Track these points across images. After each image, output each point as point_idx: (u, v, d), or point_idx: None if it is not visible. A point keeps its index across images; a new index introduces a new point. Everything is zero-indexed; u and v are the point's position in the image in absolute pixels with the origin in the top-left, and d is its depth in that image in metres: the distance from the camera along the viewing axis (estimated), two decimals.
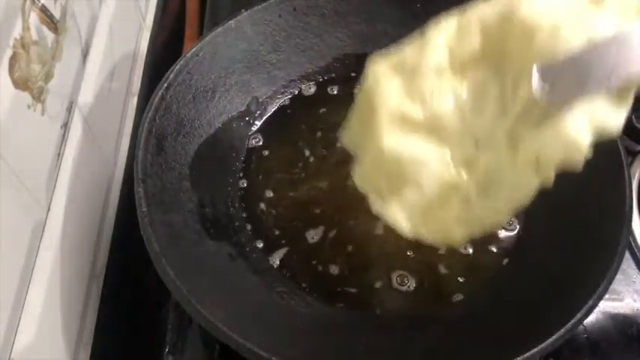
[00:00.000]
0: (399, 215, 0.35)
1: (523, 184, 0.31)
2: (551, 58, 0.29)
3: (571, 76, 0.28)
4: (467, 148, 0.33)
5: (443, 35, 0.34)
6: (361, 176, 0.38)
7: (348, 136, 0.39)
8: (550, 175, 0.31)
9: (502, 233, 0.45)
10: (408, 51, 0.35)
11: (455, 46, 0.33)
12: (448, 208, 0.34)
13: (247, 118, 0.50)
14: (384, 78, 0.35)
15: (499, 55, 0.32)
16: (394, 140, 0.34)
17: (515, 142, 0.31)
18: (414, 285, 0.43)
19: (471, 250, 0.44)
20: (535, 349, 0.33)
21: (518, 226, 0.45)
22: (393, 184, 0.35)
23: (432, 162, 0.34)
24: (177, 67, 0.44)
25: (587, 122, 0.29)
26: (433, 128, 0.34)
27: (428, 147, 0.34)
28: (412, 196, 0.34)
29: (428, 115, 0.34)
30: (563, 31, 0.29)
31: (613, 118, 0.29)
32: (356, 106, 0.38)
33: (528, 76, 0.29)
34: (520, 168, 0.31)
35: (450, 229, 0.35)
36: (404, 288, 0.43)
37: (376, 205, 0.36)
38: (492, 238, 0.45)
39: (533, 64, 0.29)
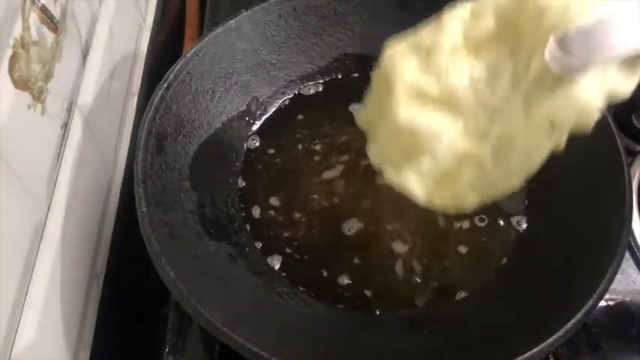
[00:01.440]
0: (414, 184, 0.36)
1: (536, 148, 0.32)
2: (563, 32, 0.30)
3: (583, 46, 0.29)
4: (481, 121, 0.35)
5: (457, 18, 0.35)
6: (376, 151, 0.39)
7: (363, 117, 0.40)
8: (562, 139, 0.31)
9: (505, 232, 0.45)
10: (423, 33, 0.36)
11: (469, 28, 0.35)
12: (461, 175, 0.35)
13: (247, 119, 0.50)
14: (401, 56, 0.36)
15: (512, 34, 0.34)
16: (410, 112, 0.35)
17: (529, 107, 0.32)
18: (420, 278, 0.43)
19: (485, 222, 0.45)
20: (535, 349, 0.33)
21: (525, 224, 0.45)
22: (408, 154, 0.36)
23: (447, 133, 0.35)
24: (177, 67, 0.44)
25: (598, 88, 0.30)
26: (448, 102, 0.35)
27: (443, 119, 0.35)
28: (427, 165, 0.35)
29: (443, 89, 0.35)
30: (573, 9, 0.30)
31: (624, 84, 0.30)
32: (372, 87, 0.39)
33: (541, 51, 0.30)
34: (533, 132, 0.32)
35: (463, 196, 0.36)
36: (407, 277, 0.43)
37: (391, 175, 0.37)
38: (493, 235, 0.45)
39: (546, 39, 0.30)
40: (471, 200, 0.36)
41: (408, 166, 0.36)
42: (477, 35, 0.35)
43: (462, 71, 0.35)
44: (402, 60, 0.36)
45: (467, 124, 0.35)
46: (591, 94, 0.30)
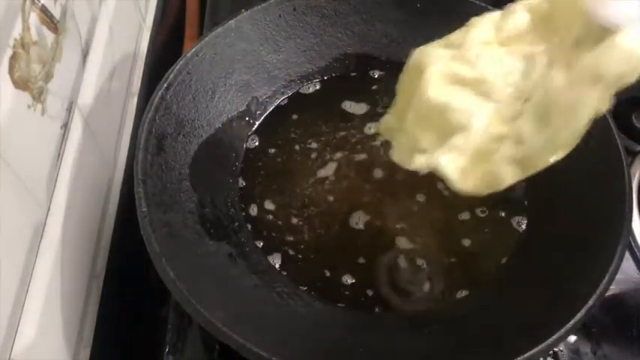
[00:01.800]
0: (447, 163, 0.34)
1: (580, 104, 0.31)
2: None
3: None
4: (513, 107, 0.34)
5: (488, 18, 0.35)
6: (403, 143, 0.38)
7: (386, 124, 0.40)
8: (607, 95, 0.31)
9: (505, 232, 0.45)
10: (452, 35, 0.36)
11: (500, 24, 0.35)
12: (497, 150, 0.34)
13: (247, 118, 0.50)
14: (432, 48, 0.36)
15: (546, 26, 0.34)
16: (441, 90, 0.34)
17: (571, 68, 0.31)
18: (422, 276, 0.43)
19: (485, 221, 0.44)
20: (535, 349, 0.33)
21: (525, 224, 0.45)
22: (439, 135, 0.35)
23: (479, 109, 0.34)
24: (177, 67, 0.44)
25: None
26: (481, 88, 0.34)
27: (475, 100, 0.34)
28: (460, 141, 0.34)
29: (477, 75, 0.34)
30: None
31: None
32: (398, 89, 0.38)
33: (580, 22, 0.31)
34: (577, 87, 0.31)
35: (501, 171, 0.34)
36: (410, 275, 0.43)
37: (421, 162, 0.35)
38: (493, 235, 0.45)
39: (582, 16, 0.30)
40: (508, 176, 0.34)
41: (440, 146, 0.35)
42: (509, 29, 0.34)
43: (494, 61, 0.34)
44: (434, 50, 0.35)
45: (498, 109, 0.34)
46: (635, 42, 0.29)
